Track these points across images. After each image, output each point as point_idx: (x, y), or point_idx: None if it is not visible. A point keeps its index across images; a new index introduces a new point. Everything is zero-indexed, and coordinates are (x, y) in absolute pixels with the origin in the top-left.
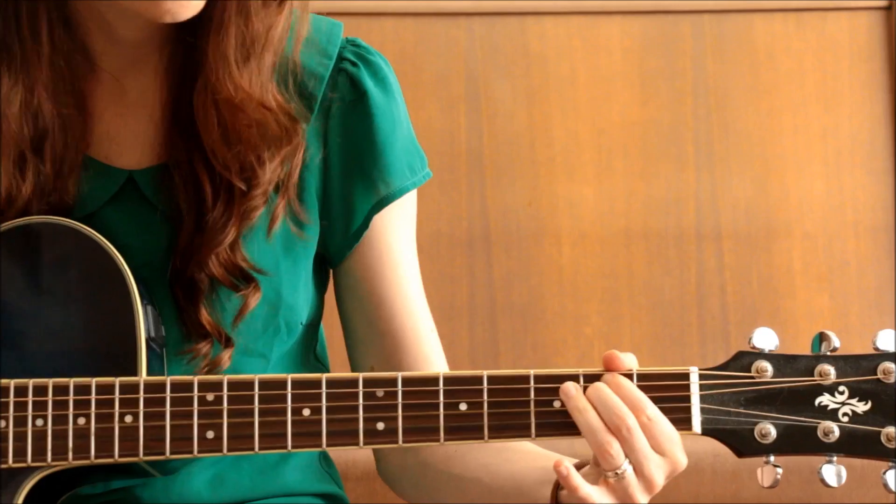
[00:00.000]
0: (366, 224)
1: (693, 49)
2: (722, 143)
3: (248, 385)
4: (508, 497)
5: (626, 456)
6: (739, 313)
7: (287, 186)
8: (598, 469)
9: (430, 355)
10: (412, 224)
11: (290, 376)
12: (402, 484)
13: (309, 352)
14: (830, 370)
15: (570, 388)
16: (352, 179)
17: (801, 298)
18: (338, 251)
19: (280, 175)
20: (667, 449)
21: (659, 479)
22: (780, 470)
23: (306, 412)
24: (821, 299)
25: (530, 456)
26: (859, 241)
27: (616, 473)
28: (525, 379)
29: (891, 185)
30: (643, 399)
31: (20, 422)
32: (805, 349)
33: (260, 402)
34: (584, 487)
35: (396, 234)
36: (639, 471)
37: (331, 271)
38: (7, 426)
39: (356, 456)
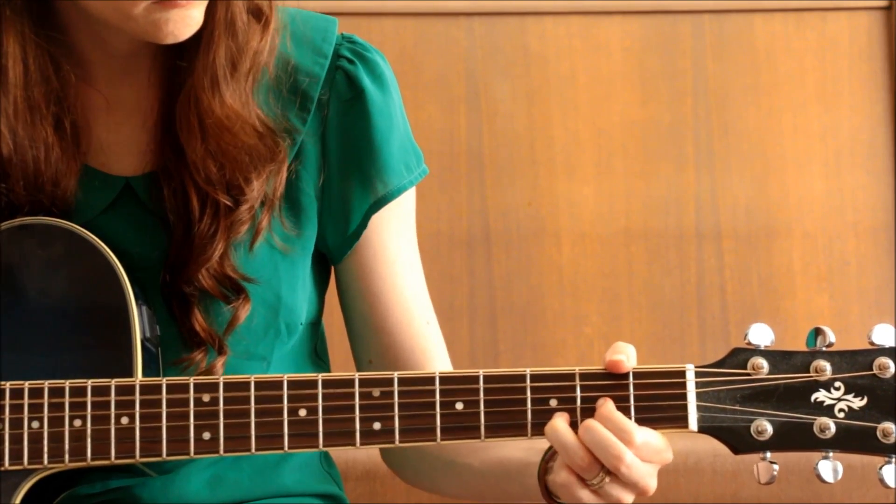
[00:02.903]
0: (364, 224)
1: (693, 49)
2: (722, 143)
3: (245, 386)
4: (499, 480)
5: (624, 481)
6: (739, 313)
7: (272, 200)
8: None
9: (427, 349)
10: (411, 220)
11: (286, 377)
12: (405, 472)
13: (310, 350)
14: (826, 366)
15: (558, 424)
16: (349, 179)
17: (801, 298)
18: (337, 250)
19: (265, 191)
20: (656, 459)
21: (653, 484)
22: (776, 466)
23: (302, 413)
24: (821, 299)
25: None
26: (859, 241)
27: (593, 482)
28: (521, 378)
29: (891, 185)
30: (630, 428)
31: (16, 424)
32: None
33: (256, 403)
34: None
35: (393, 231)
36: (632, 484)
37: (332, 268)
38: (3, 428)
39: (356, 455)
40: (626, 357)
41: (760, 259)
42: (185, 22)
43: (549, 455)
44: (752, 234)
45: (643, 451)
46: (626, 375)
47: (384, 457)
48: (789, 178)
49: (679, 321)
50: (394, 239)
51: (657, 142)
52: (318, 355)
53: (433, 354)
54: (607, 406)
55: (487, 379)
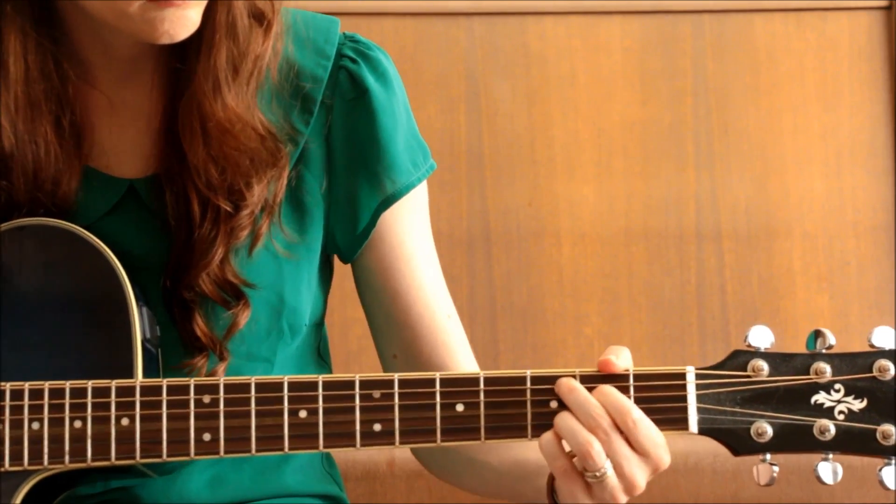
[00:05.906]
0: (373, 223)
1: (693, 49)
2: (722, 143)
3: (245, 387)
4: (515, 481)
5: (607, 457)
6: (739, 313)
7: (272, 206)
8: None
9: (449, 342)
10: (424, 214)
11: (286, 378)
12: (431, 467)
13: (312, 351)
14: (826, 368)
15: (572, 383)
16: (356, 178)
17: (801, 298)
18: (348, 249)
19: (266, 196)
20: (650, 451)
21: (640, 479)
22: (776, 468)
23: (303, 414)
24: (821, 299)
25: None
26: (859, 241)
27: (596, 475)
28: (521, 380)
29: (891, 185)
30: (626, 403)
31: (16, 425)
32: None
33: (256, 405)
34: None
35: (407, 227)
36: (619, 471)
37: (337, 266)
38: (3, 429)
39: (356, 456)
40: (616, 356)
41: (760, 259)
42: (181, 22)
43: None
44: (752, 234)
45: (640, 429)
46: (626, 377)
47: (414, 452)
48: (789, 178)
49: (679, 321)
50: (410, 235)
51: (657, 142)
52: (320, 356)
53: (456, 348)
54: (606, 386)
55: (488, 381)
